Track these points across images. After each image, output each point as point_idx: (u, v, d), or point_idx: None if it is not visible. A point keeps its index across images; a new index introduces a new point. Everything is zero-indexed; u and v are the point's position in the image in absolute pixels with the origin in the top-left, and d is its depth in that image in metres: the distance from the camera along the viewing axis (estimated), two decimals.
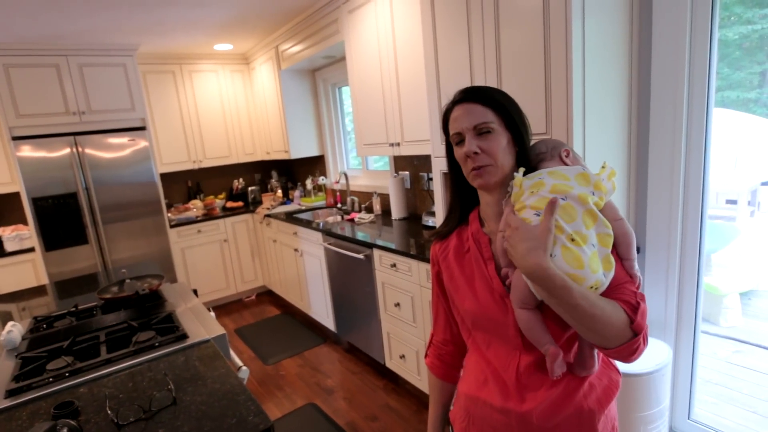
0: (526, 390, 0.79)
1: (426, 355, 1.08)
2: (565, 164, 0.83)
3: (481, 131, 0.81)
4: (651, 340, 1.75)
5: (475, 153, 0.80)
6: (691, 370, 1.80)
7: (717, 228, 3.18)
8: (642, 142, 1.74)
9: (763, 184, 3.45)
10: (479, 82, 1.76)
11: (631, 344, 0.71)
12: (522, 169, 0.80)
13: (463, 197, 0.94)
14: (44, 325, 1.57)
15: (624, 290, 0.75)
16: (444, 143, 0.92)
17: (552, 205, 0.71)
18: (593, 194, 0.75)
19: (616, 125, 1.66)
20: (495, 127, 0.82)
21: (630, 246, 0.77)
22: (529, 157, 0.85)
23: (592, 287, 0.71)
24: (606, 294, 0.73)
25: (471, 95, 0.84)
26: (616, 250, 0.76)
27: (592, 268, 0.70)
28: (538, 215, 0.72)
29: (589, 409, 0.78)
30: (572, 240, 0.71)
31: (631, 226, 0.77)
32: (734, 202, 3.47)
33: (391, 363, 2.54)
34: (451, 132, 0.85)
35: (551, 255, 0.70)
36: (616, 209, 0.78)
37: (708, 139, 1.62)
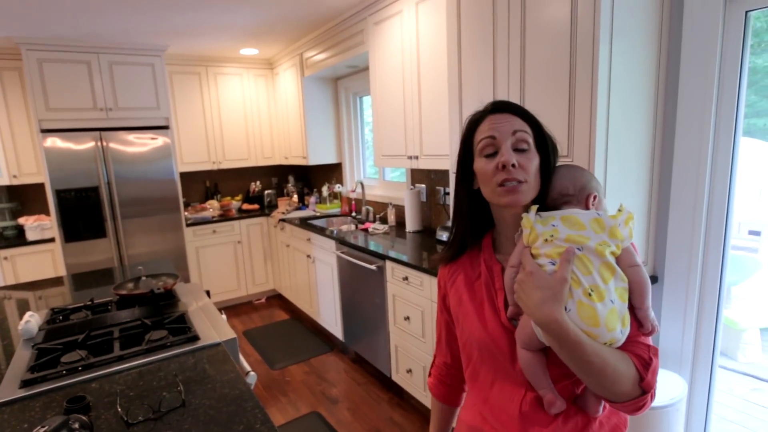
0: (531, 424, 0.76)
1: (429, 375, 1.06)
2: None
3: (518, 147, 0.76)
4: (666, 373, 1.70)
5: (513, 166, 0.74)
6: (707, 405, 1.75)
7: (738, 260, 3.10)
8: (665, 167, 1.71)
9: None
10: (502, 99, 1.76)
11: (637, 401, 0.68)
12: (534, 208, 0.75)
13: (475, 218, 0.86)
14: (60, 317, 1.60)
15: (637, 344, 0.71)
16: (458, 155, 0.85)
17: (568, 254, 0.68)
18: (610, 242, 0.70)
19: (640, 149, 1.64)
20: (531, 144, 0.77)
21: (644, 295, 0.71)
22: (551, 189, 0.79)
23: (606, 343, 0.68)
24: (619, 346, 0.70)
25: (508, 107, 0.79)
26: (630, 298, 0.71)
27: (609, 326, 0.67)
28: (554, 264, 0.69)
29: None
30: (589, 295, 0.67)
31: (647, 273, 0.72)
32: (757, 233, 3.38)
33: (398, 376, 2.52)
34: (480, 137, 0.78)
35: (566, 309, 0.67)
36: (632, 254, 0.72)
37: (734, 168, 1.59)
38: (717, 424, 1.99)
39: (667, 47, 1.64)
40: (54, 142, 3.23)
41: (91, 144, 3.35)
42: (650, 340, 0.73)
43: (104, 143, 3.40)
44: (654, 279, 1.79)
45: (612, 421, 0.78)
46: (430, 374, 1.06)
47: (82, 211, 3.37)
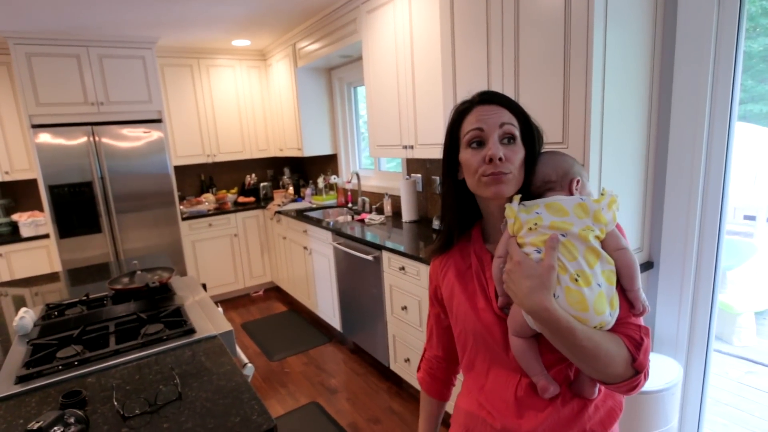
0: (527, 409, 0.77)
1: (418, 369, 1.06)
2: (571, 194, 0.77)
3: (505, 138, 0.76)
4: (661, 357, 1.72)
5: (500, 159, 0.74)
6: (702, 389, 1.77)
7: (734, 244, 3.11)
8: (660, 153, 1.71)
9: None
10: (496, 87, 1.75)
11: (631, 382, 0.69)
12: (517, 198, 0.75)
13: (463, 210, 0.87)
14: (56, 313, 1.59)
15: (628, 325, 0.71)
16: (444, 145, 0.84)
17: (553, 241, 0.68)
18: (593, 226, 0.70)
19: (635, 135, 1.63)
20: (518, 137, 0.77)
21: (633, 277, 0.71)
22: (534, 177, 0.79)
23: (596, 327, 0.68)
24: (610, 328, 0.71)
25: (495, 98, 0.79)
26: (619, 281, 0.71)
27: (597, 309, 0.67)
28: (539, 252, 0.69)
29: (592, 431, 0.77)
30: (576, 280, 0.67)
31: (634, 255, 0.72)
32: (752, 218, 3.40)
33: (396, 366, 2.54)
34: (468, 128, 0.78)
35: (555, 296, 0.67)
36: (618, 238, 0.72)
37: (729, 153, 1.58)
38: (712, 407, 2.02)
39: (661, 33, 1.62)
40: (45, 137, 3.20)
41: (84, 139, 3.32)
42: (641, 321, 0.73)
43: (96, 138, 3.36)
44: (650, 264, 1.79)
45: (607, 404, 0.79)
46: (419, 368, 1.06)
47: (76, 207, 3.34)
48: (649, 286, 1.81)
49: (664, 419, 1.57)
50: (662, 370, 1.62)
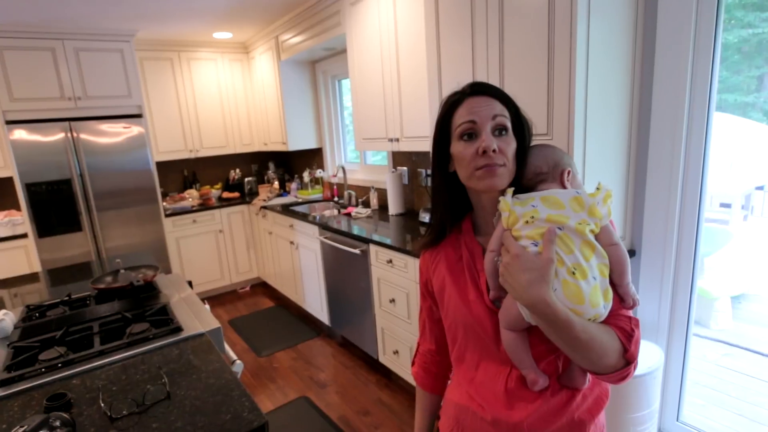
0: (517, 400, 0.78)
1: (412, 364, 1.06)
2: (564, 187, 0.77)
3: (497, 129, 0.76)
4: (644, 343, 1.76)
5: (494, 151, 0.73)
6: (682, 372, 1.82)
7: (710, 231, 3.20)
8: (642, 142, 1.74)
9: (758, 188, 3.48)
10: (481, 78, 1.75)
11: (622, 372, 0.70)
12: (510, 191, 0.75)
13: (454, 202, 0.86)
14: (37, 314, 1.55)
15: (619, 317, 0.73)
16: (434, 137, 0.83)
17: (551, 234, 0.68)
18: (589, 220, 0.71)
19: (617, 126, 1.66)
20: (509, 128, 0.77)
21: (624, 273, 0.72)
22: (525, 170, 0.79)
23: (590, 319, 0.69)
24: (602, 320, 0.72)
25: (487, 89, 0.79)
26: (610, 276, 0.72)
27: (593, 302, 0.68)
28: (536, 245, 0.69)
29: (580, 420, 0.78)
30: (573, 273, 0.68)
31: (626, 250, 0.73)
32: (728, 205, 3.50)
33: (385, 358, 2.55)
34: (459, 121, 0.77)
35: (552, 289, 0.67)
36: (611, 233, 0.73)
37: (707, 143, 1.62)
38: (691, 389, 2.08)
39: (642, 24, 1.65)
40: (21, 133, 3.10)
41: (61, 135, 3.23)
42: (631, 312, 0.75)
43: (74, 134, 3.27)
44: (632, 253, 1.83)
45: (594, 392, 0.81)
46: (413, 363, 1.06)
47: (54, 205, 3.26)
48: (632, 274, 1.86)
49: (646, 402, 1.62)
50: (645, 355, 1.66)
